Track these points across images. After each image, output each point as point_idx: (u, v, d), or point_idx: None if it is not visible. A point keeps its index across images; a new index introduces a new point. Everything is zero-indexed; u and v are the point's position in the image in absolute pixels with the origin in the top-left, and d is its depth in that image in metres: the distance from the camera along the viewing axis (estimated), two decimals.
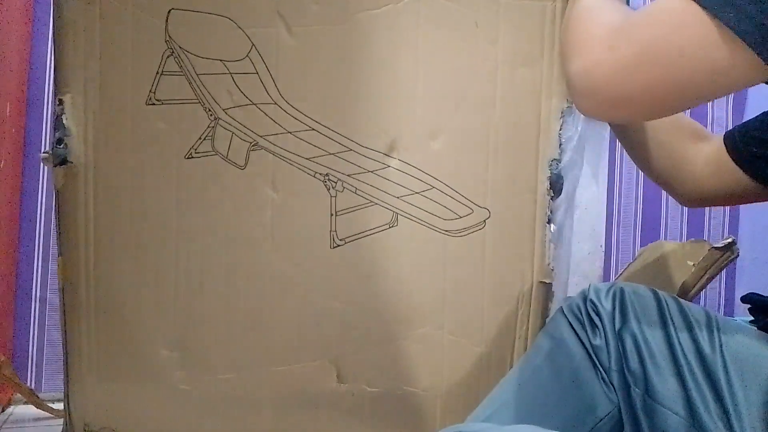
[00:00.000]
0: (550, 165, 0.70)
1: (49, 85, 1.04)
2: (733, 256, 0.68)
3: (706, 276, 0.69)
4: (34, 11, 1.04)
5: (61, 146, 0.67)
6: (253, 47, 0.69)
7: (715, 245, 0.68)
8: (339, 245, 0.70)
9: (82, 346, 0.71)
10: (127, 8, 0.67)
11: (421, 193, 0.71)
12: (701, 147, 0.64)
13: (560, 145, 0.70)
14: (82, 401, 0.72)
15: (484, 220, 0.71)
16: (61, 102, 0.67)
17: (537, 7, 0.69)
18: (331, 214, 0.70)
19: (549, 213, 0.71)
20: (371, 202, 0.71)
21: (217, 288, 0.70)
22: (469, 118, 0.70)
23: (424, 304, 0.71)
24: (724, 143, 0.61)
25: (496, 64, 0.70)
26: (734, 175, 0.60)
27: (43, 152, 0.68)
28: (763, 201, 0.60)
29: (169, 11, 0.68)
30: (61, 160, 0.67)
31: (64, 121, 0.67)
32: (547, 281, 0.71)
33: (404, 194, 0.71)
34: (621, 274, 0.88)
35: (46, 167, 1.03)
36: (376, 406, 0.71)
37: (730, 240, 0.68)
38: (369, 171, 0.70)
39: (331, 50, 0.69)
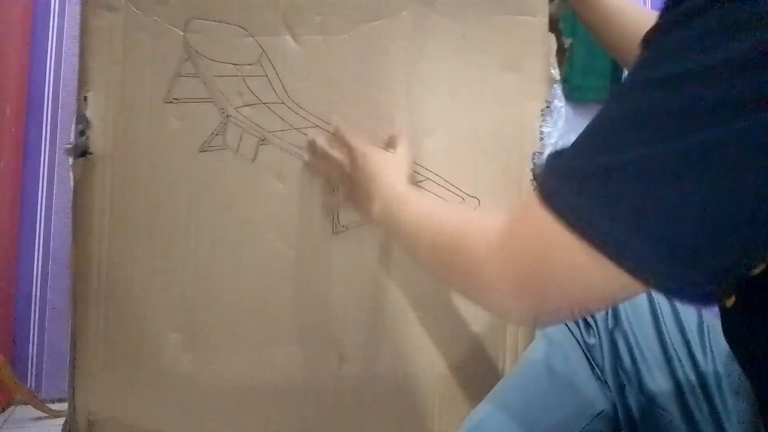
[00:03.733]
0: (533, 158, 0.77)
1: (49, 86, 1.08)
2: None
3: None
4: (34, 13, 1.08)
5: (84, 138, 0.72)
6: (263, 53, 0.76)
7: None
8: (341, 232, 0.75)
9: (90, 334, 0.73)
10: (149, 17, 0.74)
11: (417, 184, 0.76)
12: None
13: (541, 140, 0.77)
14: (87, 390, 0.74)
15: (474, 209, 0.77)
16: (85, 98, 0.73)
17: (519, 21, 0.78)
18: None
19: None
20: None
21: (225, 273, 0.74)
22: (459, 117, 0.77)
23: (420, 288, 0.75)
24: None
25: (483, 69, 0.78)
26: None
27: (67, 143, 0.72)
28: None
29: (187, 20, 0.75)
30: (81, 152, 0.72)
31: (87, 115, 0.72)
32: None
33: None
34: None
35: (45, 169, 1.06)
36: (377, 386, 0.74)
37: None
38: None
39: (334, 57, 0.76)
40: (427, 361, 0.75)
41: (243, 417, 0.74)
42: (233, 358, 0.73)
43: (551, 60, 0.79)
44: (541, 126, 0.77)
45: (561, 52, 0.82)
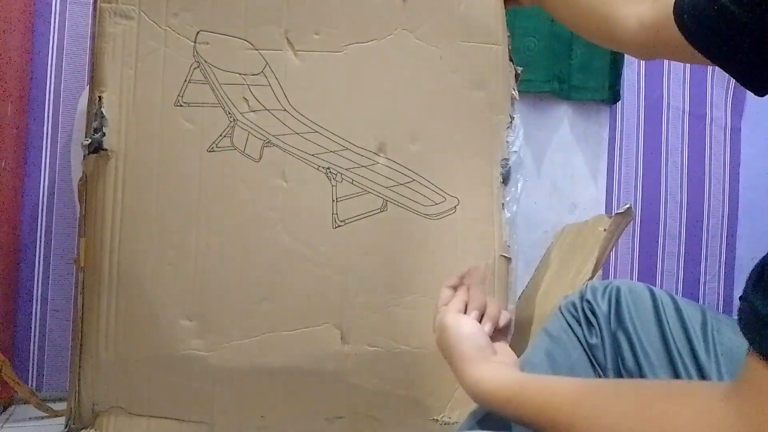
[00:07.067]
0: (501, 163, 0.90)
1: (50, 86, 1.07)
2: (630, 219, 0.90)
3: (615, 237, 0.90)
4: (35, 12, 1.07)
5: (98, 135, 0.76)
6: (267, 65, 0.84)
7: (617, 212, 0.90)
8: (340, 226, 0.83)
9: (100, 324, 0.75)
10: (161, 27, 0.80)
11: (405, 184, 0.87)
12: (632, 9, 0.67)
13: (507, 148, 0.90)
14: (93, 380, 0.75)
15: (454, 207, 0.88)
16: (99, 98, 0.77)
17: (486, 48, 0.91)
18: (333, 200, 0.84)
19: (503, 202, 0.89)
20: (365, 191, 0.85)
21: (234, 264, 0.79)
22: (439, 127, 0.89)
23: (411, 275, 0.85)
24: (674, 14, 0.61)
25: (457, 88, 0.90)
26: (676, 41, 0.60)
27: (85, 139, 0.76)
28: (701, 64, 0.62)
29: (197, 32, 0.81)
30: (95, 148, 0.76)
31: (104, 112, 0.76)
32: (507, 256, 0.88)
33: (391, 185, 0.86)
34: (546, 255, 1.07)
35: (46, 168, 1.05)
36: (376, 363, 0.82)
37: (627, 206, 0.90)
38: (363, 166, 0.86)
39: (330, 71, 0.86)
40: (419, 340, 0.83)
41: (250, 399, 0.79)
42: (242, 342, 0.78)
43: (511, 82, 0.93)
44: (507, 136, 0.91)
45: (515, 77, 0.97)
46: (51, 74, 1.06)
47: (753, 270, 0.35)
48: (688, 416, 0.35)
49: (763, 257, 0.34)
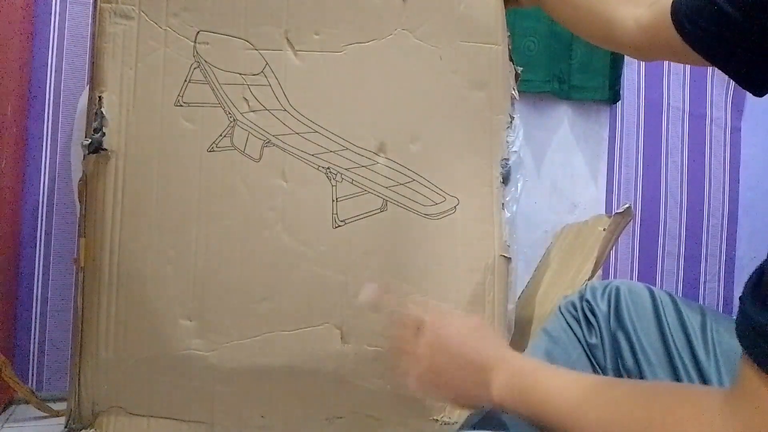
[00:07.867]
0: (501, 163, 0.90)
1: (50, 86, 1.07)
2: (630, 218, 0.90)
3: (614, 236, 0.90)
4: (35, 11, 1.07)
5: (98, 135, 0.76)
6: (267, 65, 0.84)
7: (617, 212, 0.90)
8: (340, 226, 0.83)
9: (100, 324, 0.75)
10: (161, 27, 0.80)
11: (405, 184, 0.87)
12: (630, 10, 0.68)
13: (507, 148, 0.90)
14: (93, 380, 0.75)
15: (454, 207, 0.88)
16: (99, 98, 0.77)
17: (485, 48, 0.91)
18: (333, 200, 0.84)
19: (503, 202, 0.89)
20: (365, 190, 0.85)
21: (234, 263, 0.79)
22: (439, 127, 0.89)
23: (411, 275, 0.85)
24: (672, 15, 0.61)
25: (457, 88, 0.90)
26: (674, 42, 0.61)
27: (85, 139, 0.76)
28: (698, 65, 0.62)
29: (197, 32, 0.81)
30: (95, 148, 0.76)
31: (104, 112, 0.76)
32: (507, 255, 0.88)
33: (391, 185, 0.86)
34: (546, 255, 1.07)
35: (46, 168, 1.05)
36: (376, 363, 0.81)
37: (627, 205, 0.90)
38: (362, 166, 0.86)
39: (330, 71, 0.86)
40: None
41: (250, 398, 0.79)
42: (243, 342, 0.78)
43: (511, 82, 0.93)
44: (507, 136, 0.91)
45: (515, 77, 0.97)
46: (51, 74, 1.06)
47: (751, 275, 0.35)
48: (689, 422, 0.37)
49: (761, 264, 0.35)
